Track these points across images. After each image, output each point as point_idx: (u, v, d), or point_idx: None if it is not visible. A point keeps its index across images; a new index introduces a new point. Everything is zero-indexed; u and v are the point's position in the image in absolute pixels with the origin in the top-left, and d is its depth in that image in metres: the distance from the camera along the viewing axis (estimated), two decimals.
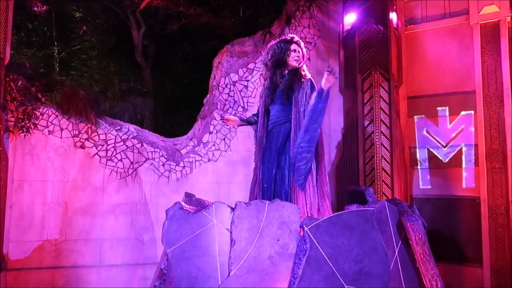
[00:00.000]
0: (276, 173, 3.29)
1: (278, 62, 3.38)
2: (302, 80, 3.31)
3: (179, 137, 5.24)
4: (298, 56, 3.39)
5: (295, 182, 3.15)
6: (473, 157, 4.85)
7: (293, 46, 3.40)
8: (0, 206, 3.88)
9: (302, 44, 3.47)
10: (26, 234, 4.39)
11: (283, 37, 3.51)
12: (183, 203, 3.04)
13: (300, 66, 3.40)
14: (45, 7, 5.69)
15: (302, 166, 3.10)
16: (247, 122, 3.71)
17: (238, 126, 4.08)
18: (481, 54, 4.81)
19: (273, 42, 3.52)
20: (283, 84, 3.34)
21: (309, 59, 5.53)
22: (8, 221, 4.22)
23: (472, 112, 4.88)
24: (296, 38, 3.47)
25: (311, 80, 3.34)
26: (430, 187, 5.09)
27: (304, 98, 3.26)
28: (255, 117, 3.60)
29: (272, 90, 3.39)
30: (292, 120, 3.26)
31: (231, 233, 2.75)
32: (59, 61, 6.48)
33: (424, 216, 4.06)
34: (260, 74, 3.58)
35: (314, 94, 3.13)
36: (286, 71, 3.40)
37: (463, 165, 4.90)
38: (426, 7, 5.23)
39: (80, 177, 4.63)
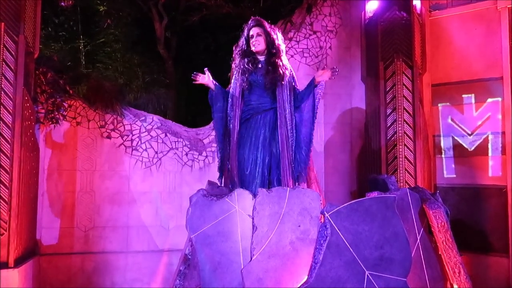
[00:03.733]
0: (270, 160, 3.40)
1: (243, 52, 3.57)
2: (281, 72, 3.45)
3: (201, 127, 5.32)
4: (256, 41, 3.49)
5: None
6: (500, 145, 4.73)
7: (252, 31, 3.53)
8: (34, 194, 4.05)
9: (263, 23, 3.53)
10: (57, 221, 4.58)
11: (245, 25, 3.61)
12: (206, 191, 3.12)
13: (268, 49, 3.50)
14: (71, 1, 5.84)
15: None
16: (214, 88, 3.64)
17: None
18: (509, 39, 4.66)
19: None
20: (264, 76, 3.45)
21: (330, 47, 5.51)
22: (40, 209, 4.40)
23: (500, 99, 4.75)
24: (256, 21, 3.54)
25: (291, 73, 3.57)
26: (454, 176, 5.00)
27: (287, 90, 3.45)
28: (220, 90, 3.63)
29: (247, 75, 3.49)
30: (278, 109, 3.41)
31: (253, 219, 2.81)
32: (85, 54, 6.65)
33: (449, 205, 4.01)
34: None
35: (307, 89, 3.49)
36: (261, 58, 3.53)
37: (489, 154, 4.79)
38: None
39: (107, 167, 4.78)
